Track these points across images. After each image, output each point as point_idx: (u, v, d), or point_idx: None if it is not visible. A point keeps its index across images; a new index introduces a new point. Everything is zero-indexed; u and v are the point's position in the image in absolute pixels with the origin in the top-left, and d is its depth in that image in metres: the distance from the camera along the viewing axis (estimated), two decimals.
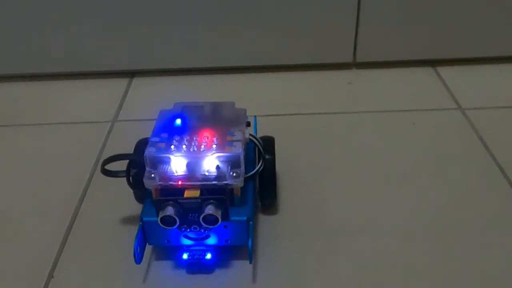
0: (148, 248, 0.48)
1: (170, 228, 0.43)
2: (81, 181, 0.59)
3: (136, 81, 0.80)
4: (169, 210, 0.42)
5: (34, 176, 0.60)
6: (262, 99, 0.73)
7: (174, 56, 0.79)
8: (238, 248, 0.47)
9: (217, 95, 0.74)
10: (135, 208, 0.53)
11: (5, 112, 0.73)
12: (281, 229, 0.51)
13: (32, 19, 0.75)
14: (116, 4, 0.74)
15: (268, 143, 0.51)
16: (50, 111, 0.73)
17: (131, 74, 0.81)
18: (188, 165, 0.44)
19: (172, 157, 0.44)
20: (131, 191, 0.51)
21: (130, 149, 0.50)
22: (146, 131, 0.54)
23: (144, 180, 0.44)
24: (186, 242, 0.46)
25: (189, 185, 0.43)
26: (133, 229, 0.50)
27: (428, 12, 0.76)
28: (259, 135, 0.52)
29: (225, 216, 0.43)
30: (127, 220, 0.53)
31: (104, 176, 0.49)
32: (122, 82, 0.80)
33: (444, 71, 0.79)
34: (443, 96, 0.73)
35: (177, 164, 0.44)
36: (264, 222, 0.52)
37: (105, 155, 0.62)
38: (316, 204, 0.54)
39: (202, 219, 0.42)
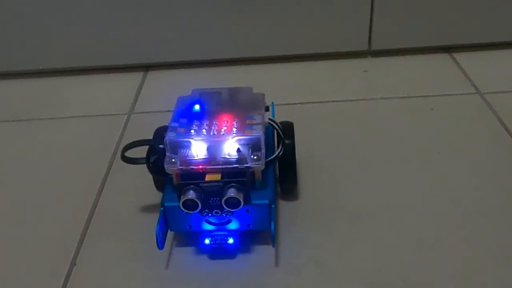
0: (170, 234, 0.47)
1: (192, 212, 0.43)
2: (100, 171, 0.59)
3: (151, 74, 0.80)
4: (191, 194, 0.42)
5: (53, 168, 0.60)
6: (278, 89, 0.72)
7: (188, 48, 0.79)
8: (259, 233, 0.47)
9: (233, 85, 0.73)
10: (155, 196, 0.53)
11: (23, 107, 0.74)
12: (302, 214, 0.51)
13: (47, 15, 0.75)
14: None
15: (287, 128, 0.51)
16: (67, 105, 0.73)
17: (146, 67, 0.81)
18: (208, 149, 0.44)
19: (192, 141, 0.44)
20: (150, 179, 0.51)
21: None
22: (163, 122, 0.54)
23: (165, 165, 0.44)
24: (208, 227, 0.46)
25: (210, 168, 0.43)
26: (154, 216, 0.50)
27: None
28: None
29: (247, 199, 0.43)
30: (147, 208, 0.53)
31: (123, 166, 0.49)
32: (137, 76, 0.80)
33: (461, 56, 0.78)
34: (461, 81, 0.72)
35: (198, 148, 0.44)
36: (285, 207, 0.51)
37: (123, 146, 0.63)
38: (336, 188, 0.54)
39: (224, 202, 0.42)
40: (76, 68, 0.81)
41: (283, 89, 0.73)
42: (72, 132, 0.67)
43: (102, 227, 0.51)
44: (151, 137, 0.51)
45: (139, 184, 0.54)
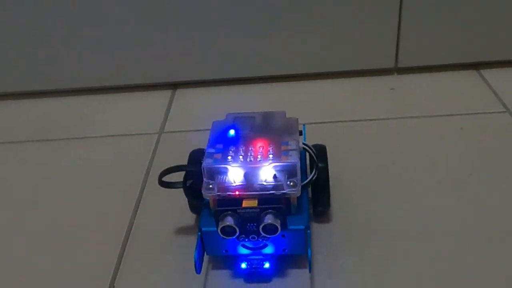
0: (205, 257, 0.48)
1: (230, 238, 0.44)
2: (133, 192, 0.60)
3: (179, 92, 0.81)
4: (229, 220, 0.43)
5: (86, 189, 0.61)
6: (304, 107, 0.73)
7: (215, 66, 0.80)
8: (294, 256, 0.48)
9: (260, 104, 0.75)
10: (189, 218, 0.54)
11: (52, 126, 0.75)
12: (335, 237, 0.51)
13: (75, 33, 0.77)
14: (156, 16, 0.75)
15: (320, 151, 0.51)
16: (97, 124, 0.75)
17: (174, 85, 0.83)
18: (245, 175, 0.45)
19: (229, 167, 0.45)
20: (183, 201, 0.51)
21: (179, 160, 0.51)
22: (194, 142, 0.55)
23: (202, 191, 0.44)
24: (244, 251, 0.46)
25: (247, 195, 0.44)
26: (189, 239, 0.51)
27: (470, 14, 0.75)
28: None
29: (284, 225, 0.43)
30: (182, 230, 0.53)
31: (156, 187, 0.50)
32: (165, 94, 0.81)
33: (488, 73, 0.78)
34: (490, 99, 0.72)
35: (235, 174, 0.45)
36: (318, 230, 0.52)
37: (155, 167, 0.64)
38: (369, 210, 0.54)
39: (262, 228, 0.43)
40: (103, 87, 0.82)
41: (309, 107, 0.73)
42: (103, 152, 0.68)
43: (139, 249, 0.52)
44: (183, 158, 0.52)
45: (173, 205, 0.55)
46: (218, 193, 0.44)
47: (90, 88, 0.82)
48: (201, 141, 0.52)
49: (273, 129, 0.50)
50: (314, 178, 0.49)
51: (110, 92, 0.82)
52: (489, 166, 0.59)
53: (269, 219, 0.42)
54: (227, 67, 0.80)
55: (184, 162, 0.52)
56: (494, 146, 0.62)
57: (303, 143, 0.50)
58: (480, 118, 0.68)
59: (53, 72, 0.80)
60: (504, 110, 0.69)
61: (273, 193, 0.44)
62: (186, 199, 0.51)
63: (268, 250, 0.46)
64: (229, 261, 0.48)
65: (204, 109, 0.76)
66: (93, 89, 0.82)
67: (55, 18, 0.75)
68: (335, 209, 0.54)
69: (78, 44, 0.77)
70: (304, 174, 0.50)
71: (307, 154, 0.51)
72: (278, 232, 0.43)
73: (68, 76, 0.81)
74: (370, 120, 0.69)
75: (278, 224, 0.43)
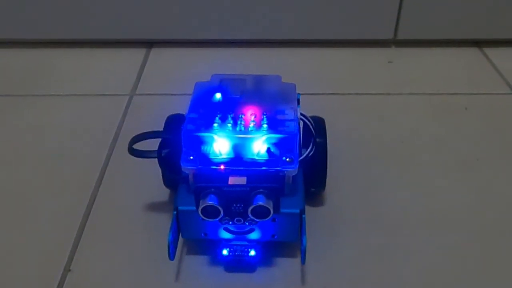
0: (180, 240, 0.41)
1: (211, 220, 0.37)
2: (98, 160, 0.52)
3: (155, 51, 0.73)
4: (212, 199, 0.36)
5: (46, 153, 0.53)
6: (294, 76, 0.65)
7: (197, 25, 0.71)
8: (283, 243, 0.41)
9: (245, 71, 0.67)
10: (162, 192, 0.47)
11: (13, 81, 0.66)
12: (330, 223, 0.45)
13: None
14: None
15: (318, 124, 0.45)
16: (61, 81, 0.66)
17: (149, 43, 0.74)
18: (234, 147, 0.38)
19: (215, 136, 0.38)
20: (156, 173, 0.44)
21: (153, 126, 0.44)
22: (170, 107, 0.48)
23: (181, 163, 0.37)
24: (226, 235, 0.39)
25: (235, 170, 0.37)
26: (161, 217, 0.45)
27: None
28: None
29: (277, 208, 0.37)
30: (153, 206, 0.46)
31: (124, 155, 0.43)
32: (139, 53, 0.73)
33: (492, 52, 0.72)
34: (494, 79, 0.66)
35: (221, 145, 0.38)
36: (310, 214, 0.45)
37: (124, 132, 0.56)
38: (367, 194, 0.48)
39: (251, 211, 0.36)
40: (72, 40, 0.73)
41: (301, 77, 0.65)
42: (68, 112, 0.60)
43: (101, 228, 0.45)
44: (158, 124, 0.45)
45: (143, 177, 0.48)
46: (200, 166, 0.37)
47: (54, 40, 0.73)
48: (179, 106, 0.45)
49: (267, 95, 0.43)
50: (310, 154, 0.42)
51: (76, 47, 0.73)
52: (496, 151, 0.54)
53: (260, 200, 0.36)
54: (210, 27, 0.71)
55: (160, 128, 0.44)
56: (500, 129, 0.57)
57: (301, 113, 0.43)
58: (485, 98, 0.63)
59: (14, 21, 0.70)
60: (510, 92, 0.64)
61: (266, 169, 0.37)
62: (160, 171, 0.44)
63: (254, 235, 0.39)
64: (207, 246, 0.41)
65: (182, 72, 0.68)
66: (60, 41, 0.73)
67: None
68: (329, 191, 0.47)
69: None
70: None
71: (301, 126, 0.45)
72: (270, 215, 0.36)
73: (33, 26, 0.71)
74: (367, 94, 0.63)
75: (270, 206, 0.36)
